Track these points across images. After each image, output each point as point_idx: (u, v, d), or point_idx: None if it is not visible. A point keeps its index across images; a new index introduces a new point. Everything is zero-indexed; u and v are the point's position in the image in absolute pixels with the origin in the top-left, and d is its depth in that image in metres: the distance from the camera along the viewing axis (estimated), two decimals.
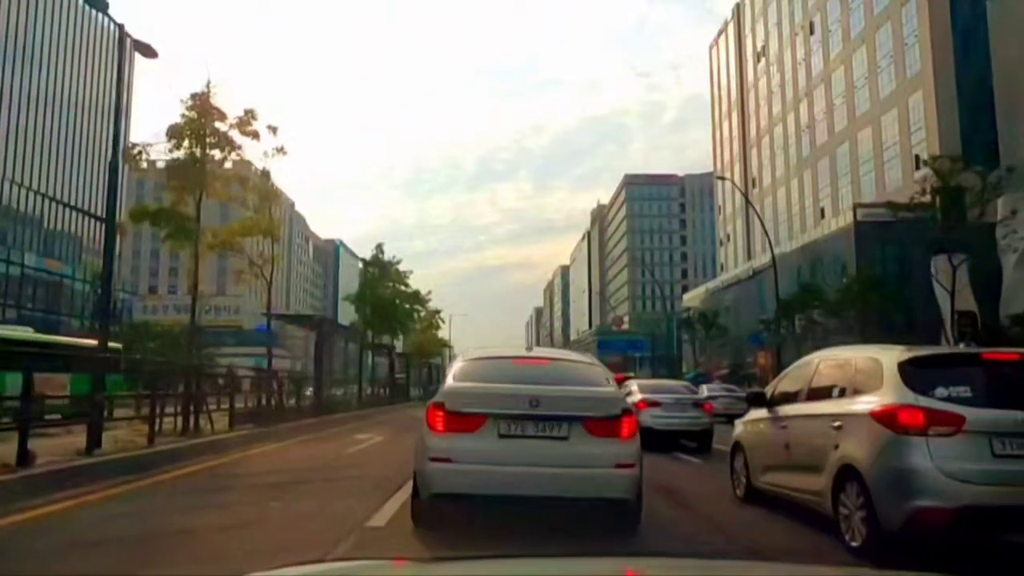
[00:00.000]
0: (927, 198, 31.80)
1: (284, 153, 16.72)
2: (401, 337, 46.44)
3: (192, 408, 12.39)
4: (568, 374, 6.50)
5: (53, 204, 70.43)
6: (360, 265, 43.32)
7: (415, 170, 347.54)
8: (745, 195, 64.29)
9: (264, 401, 16.82)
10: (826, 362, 6.80)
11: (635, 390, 15.15)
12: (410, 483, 6.24)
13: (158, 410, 12.68)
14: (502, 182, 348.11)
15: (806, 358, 7.41)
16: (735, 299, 67.62)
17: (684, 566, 2.75)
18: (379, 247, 38.00)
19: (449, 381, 6.20)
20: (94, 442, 9.20)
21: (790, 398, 7.13)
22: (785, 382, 7.52)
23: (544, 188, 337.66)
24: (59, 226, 73.09)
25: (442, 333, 56.84)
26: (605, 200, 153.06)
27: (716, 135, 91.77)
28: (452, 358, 8.01)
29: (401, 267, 38.74)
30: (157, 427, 12.09)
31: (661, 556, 4.31)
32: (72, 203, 71.24)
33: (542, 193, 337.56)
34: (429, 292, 43.46)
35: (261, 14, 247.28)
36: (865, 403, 5.66)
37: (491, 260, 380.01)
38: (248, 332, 75.38)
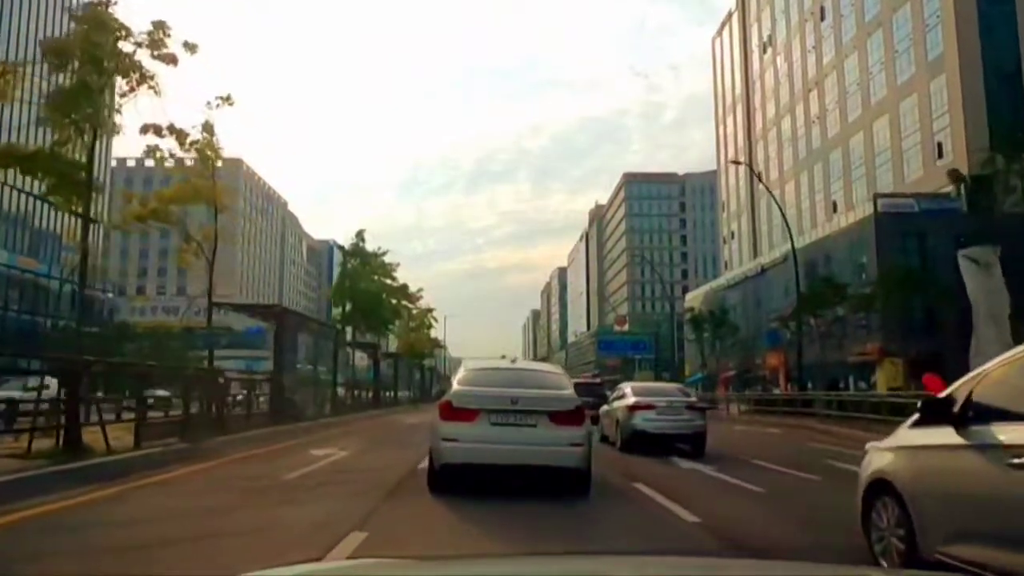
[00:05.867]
0: (985, 171, 28.77)
1: (231, 103, 13.45)
2: (390, 336, 43.33)
3: (74, 419, 9.15)
4: (539, 380, 8.82)
5: (28, 199, 67.12)
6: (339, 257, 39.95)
7: (412, 171, 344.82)
8: (759, 179, 60.97)
9: (204, 407, 13.63)
10: None
11: (628, 393, 15.12)
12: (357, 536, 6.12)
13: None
14: (500, 183, 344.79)
15: None
16: (742, 297, 64.63)
17: (685, 565, 2.67)
18: (359, 234, 34.22)
19: (455, 385, 8.52)
20: None
21: (1016, 413, 3.92)
22: (997, 384, 4.22)
23: (543, 190, 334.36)
24: (38, 223, 69.98)
25: (435, 333, 53.66)
26: (604, 201, 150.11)
27: (719, 131, 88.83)
28: (450, 360, 7.80)
29: (387, 259, 35.48)
30: (28, 446, 9.02)
31: (661, 555, 4.05)
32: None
33: (540, 195, 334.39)
34: (420, 289, 40.37)
35: (260, 14, 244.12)
36: None
37: (489, 262, 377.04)
38: (237, 334, 72.43)
